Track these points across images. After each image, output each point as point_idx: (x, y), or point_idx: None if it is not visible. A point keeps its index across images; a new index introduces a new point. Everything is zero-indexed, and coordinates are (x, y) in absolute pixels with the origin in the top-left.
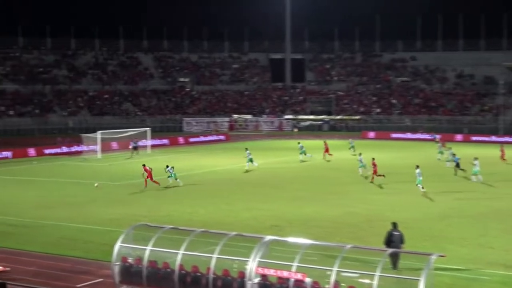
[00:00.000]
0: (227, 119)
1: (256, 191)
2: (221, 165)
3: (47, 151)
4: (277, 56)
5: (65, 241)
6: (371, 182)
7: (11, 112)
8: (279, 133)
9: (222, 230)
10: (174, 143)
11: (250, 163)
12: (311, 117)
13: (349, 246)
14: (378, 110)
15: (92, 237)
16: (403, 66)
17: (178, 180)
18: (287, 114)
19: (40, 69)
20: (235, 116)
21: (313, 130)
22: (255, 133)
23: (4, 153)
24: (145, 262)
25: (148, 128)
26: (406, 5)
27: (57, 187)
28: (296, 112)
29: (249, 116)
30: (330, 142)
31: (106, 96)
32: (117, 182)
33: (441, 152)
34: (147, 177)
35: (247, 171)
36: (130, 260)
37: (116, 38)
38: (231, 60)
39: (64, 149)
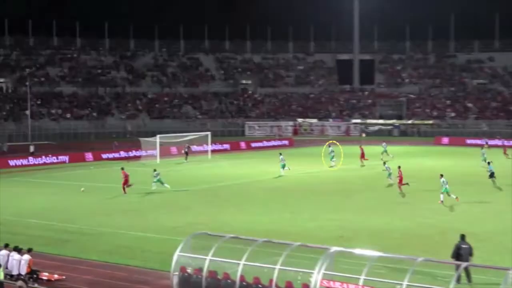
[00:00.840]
0: (291, 123)
1: (322, 199)
2: (284, 171)
3: (104, 155)
4: (345, 57)
5: (122, 249)
6: (400, 192)
7: (68, 115)
8: (346, 138)
9: (285, 240)
10: (235, 148)
11: (282, 169)
12: (380, 121)
13: (420, 259)
14: (453, 114)
15: (150, 245)
16: (479, 68)
17: (165, 184)
18: (355, 118)
19: (98, 71)
20: (300, 120)
21: (382, 135)
22: (321, 138)
23: (61, 157)
24: (204, 272)
25: (208, 132)
26: (483, 1)
27: (114, 193)
28: (364, 116)
29: (314, 120)
30: (400, 148)
31: (166, 98)
32: (176, 188)
33: (484, 160)
34: (123, 183)
35: (280, 176)
36: (189, 270)
37: (176, 38)
38: (296, 61)
39: (122, 153)
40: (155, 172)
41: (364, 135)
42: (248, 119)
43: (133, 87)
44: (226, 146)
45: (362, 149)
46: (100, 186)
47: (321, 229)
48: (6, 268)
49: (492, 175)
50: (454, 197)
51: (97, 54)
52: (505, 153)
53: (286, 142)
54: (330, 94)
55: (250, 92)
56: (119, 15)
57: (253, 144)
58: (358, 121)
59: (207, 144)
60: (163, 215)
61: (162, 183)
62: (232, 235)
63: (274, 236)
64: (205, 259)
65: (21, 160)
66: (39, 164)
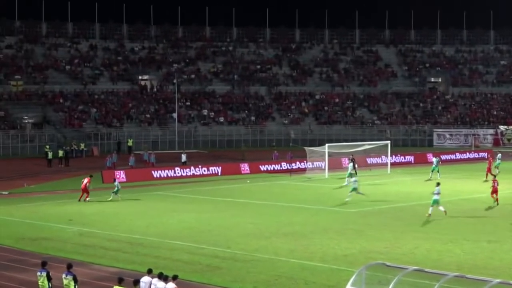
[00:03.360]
0: (491, 131)
1: None
2: (483, 191)
3: (263, 167)
4: None
5: (282, 280)
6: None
7: (221, 119)
8: None
9: (482, 275)
10: (421, 160)
11: (353, 192)
12: None
13: None
14: None
15: (315, 276)
16: None
17: (118, 195)
18: None
19: (257, 67)
20: (502, 127)
21: None
22: None
23: (212, 168)
24: None
25: (388, 142)
26: None
27: (274, 212)
28: None
29: None
30: None
31: (337, 100)
32: (350, 209)
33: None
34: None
35: (346, 203)
36: None
37: (350, 27)
38: (498, 54)
39: (284, 165)
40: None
41: None
42: (437, 125)
43: (298, 86)
44: (410, 158)
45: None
46: (257, 203)
47: None
48: None
49: None
50: (443, 210)
51: (256, 46)
52: None
53: (484, 154)
54: None
55: (440, 92)
56: (281, 1)
57: (443, 157)
58: None
59: (386, 156)
60: (331, 240)
61: (116, 193)
62: (415, 268)
63: (468, 270)
64: None
65: (166, 171)
66: (187, 176)
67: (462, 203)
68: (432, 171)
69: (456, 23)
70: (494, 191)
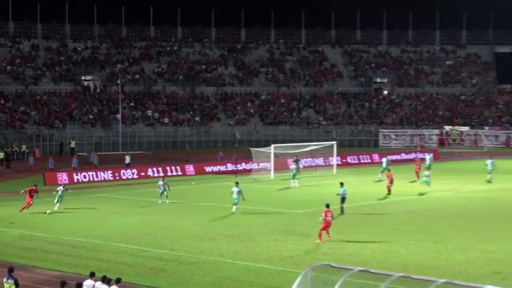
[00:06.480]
0: (436, 131)
1: (474, 226)
2: (427, 191)
3: (208, 168)
4: (505, 49)
5: (228, 282)
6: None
7: (166, 120)
8: (506, 150)
9: (426, 275)
10: (366, 161)
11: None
12: None
13: None
14: None
15: (261, 278)
16: None
17: (57, 203)
18: None
19: (202, 67)
20: (447, 127)
21: None
22: (474, 150)
23: (156, 169)
24: None
25: (334, 142)
26: None
27: (220, 214)
28: None
29: (465, 128)
30: None
31: (282, 100)
32: (295, 210)
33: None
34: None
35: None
36: None
37: (296, 27)
38: (444, 55)
39: (229, 166)
40: (62, 188)
41: None
42: (383, 126)
43: (244, 86)
44: (355, 158)
45: None
46: (203, 205)
47: (472, 263)
48: None
49: None
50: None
51: (201, 46)
52: None
53: (425, 154)
54: (486, 96)
55: (385, 93)
56: (227, 0)
57: (389, 157)
58: None
59: (332, 156)
60: (277, 241)
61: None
62: (361, 268)
63: (413, 270)
64: None
65: (109, 173)
66: (130, 178)
67: (408, 203)
68: (381, 172)
69: (402, 24)
70: (390, 182)
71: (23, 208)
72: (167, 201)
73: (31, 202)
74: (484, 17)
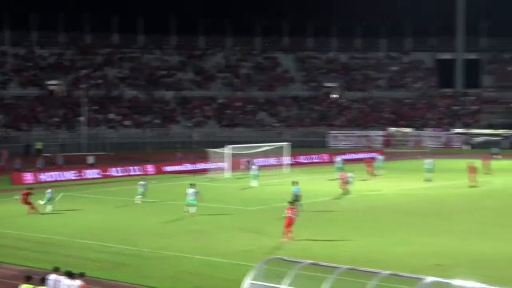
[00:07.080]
0: (382, 133)
1: (416, 221)
2: (374, 189)
3: (167, 168)
4: (446, 56)
5: (186, 275)
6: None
7: (128, 122)
8: (446, 150)
9: (372, 268)
10: (317, 161)
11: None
12: (488, 131)
13: None
14: None
15: (217, 272)
16: None
17: (45, 202)
18: (457, 128)
19: (162, 72)
20: (393, 129)
21: (489, 148)
22: (417, 151)
23: (115, 169)
24: None
25: (286, 143)
26: None
27: (179, 211)
28: (468, 125)
29: (409, 130)
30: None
31: (238, 104)
32: (249, 207)
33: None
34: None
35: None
36: None
37: (251, 35)
38: (389, 61)
39: (188, 166)
40: (49, 190)
41: (467, 147)
42: (332, 127)
43: (201, 90)
44: (306, 158)
45: (473, 165)
46: (162, 203)
47: (415, 255)
48: None
49: None
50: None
51: (161, 53)
52: None
53: (376, 154)
54: (429, 99)
55: (335, 96)
56: (186, 9)
57: (338, 157)
58: (461, 131)
59: (284, 156)
60: (233, 237)
61: (46, 202)
62: (311, 261)
63: (360, 263)
64: None
65: (73, 173)
66: (94, 178)
67: (353, 200)
68: (337, 171)
69: (350, 32)
70: (344, 183)
71: (31, 211)
72: (140, 201)
73: (32, 204)
74: (426, 25)
